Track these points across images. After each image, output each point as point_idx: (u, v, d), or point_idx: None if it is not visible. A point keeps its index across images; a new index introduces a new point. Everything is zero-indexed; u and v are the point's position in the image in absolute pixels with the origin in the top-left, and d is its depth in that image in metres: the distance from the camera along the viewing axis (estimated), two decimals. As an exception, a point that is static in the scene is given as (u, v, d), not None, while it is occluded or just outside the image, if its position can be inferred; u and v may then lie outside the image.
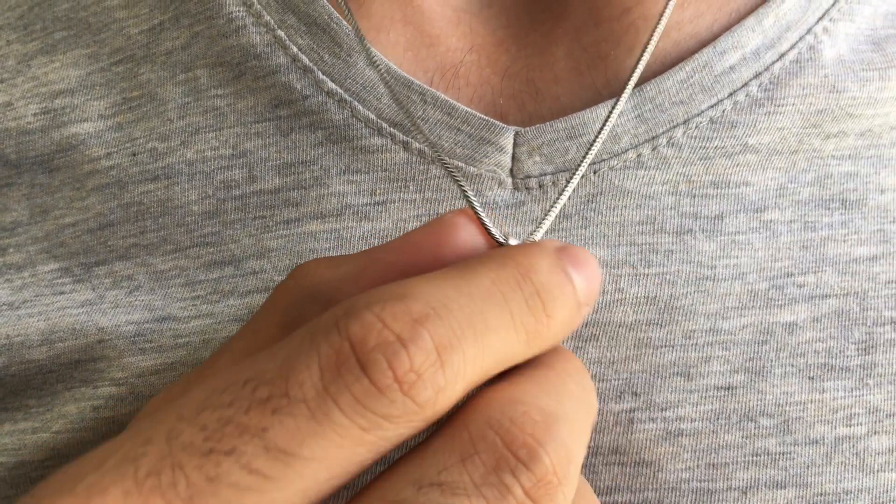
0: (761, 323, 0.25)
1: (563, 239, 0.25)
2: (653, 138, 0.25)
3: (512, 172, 0.25)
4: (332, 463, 0.16)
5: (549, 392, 0.18)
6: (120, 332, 0.25)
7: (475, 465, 0.16)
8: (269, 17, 0.26)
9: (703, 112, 0.25)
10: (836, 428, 0.25)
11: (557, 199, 0.22)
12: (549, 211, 0.22)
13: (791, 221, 0.26)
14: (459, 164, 0.25)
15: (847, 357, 0.26)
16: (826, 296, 0.26)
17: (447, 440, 0.17)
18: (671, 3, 0.25)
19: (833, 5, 0.27)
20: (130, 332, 0.25)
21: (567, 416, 0.18)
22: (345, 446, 0.16)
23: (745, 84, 0.26)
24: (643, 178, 0.25)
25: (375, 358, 0.16)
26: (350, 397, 0.15)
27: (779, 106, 0.26)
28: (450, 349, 0.16)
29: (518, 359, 0.18)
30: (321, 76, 0.26)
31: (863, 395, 0.26)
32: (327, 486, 0.16)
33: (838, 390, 0.25)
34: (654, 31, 0.24)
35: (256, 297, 0.25)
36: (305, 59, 0.26)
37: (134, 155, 0.27)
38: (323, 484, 0.16)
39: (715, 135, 0.26)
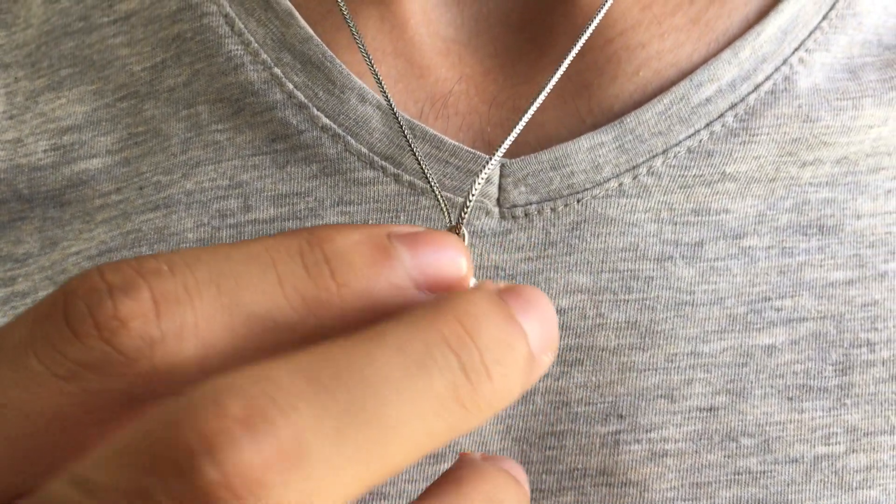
0: (741, 346, 0.26)
1: (549, 265, 0.26)
2: (633, 168, 0.26)
3: (499, 202, 0.26)
4: (31, 412, 0.15)
5: None
6: None
7: None
8: (265, 56, 0.27)
9: (680, 142, 0.26)
10: (814, 447, 0.26)
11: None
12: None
13: (769, 247, 0.27)
14: (448, 195, 0.26)
15: (825, 378, 0.26)
16: (803, 319, 0.26)
17: None
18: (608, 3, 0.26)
19: (809, 36, 0.27)
20: None
21: None
22: (42, 395, 0.15)
23: (721, 115, 0.26)
24: (625, 206, 0.26)
25: (77, 304, 0.15)
26: (46, 343, 0.15)
27: (753, 135, 0.26)
28: (174, 302, 0.15)
29: (297, 328, 0.16)
30: (316, 112, 0.27)
31: (841, 414, 0.26)
32: (37, 441, 0.15)
33: (817, 410, 0.26)
34: (593, 19, 0.25)
35: None
36: (301, 96, 0.27)
37: (141, 188, 0.28)
38: (29, 439, 0.15)
39: (693, 164, 0.26)
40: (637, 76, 0.27)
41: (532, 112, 0.24)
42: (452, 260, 0.17)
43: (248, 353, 0.15)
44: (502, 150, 0.24)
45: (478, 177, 0.23)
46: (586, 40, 0.27)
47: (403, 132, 0.25)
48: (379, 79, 0.25)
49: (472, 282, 0.18)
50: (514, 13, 0.28)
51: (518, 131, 0.24)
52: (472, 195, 0.23)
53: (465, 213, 0.22)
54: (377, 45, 0.27)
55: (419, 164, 0.25)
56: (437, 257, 0.16)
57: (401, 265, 0.16)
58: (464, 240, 0.21)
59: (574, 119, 0.27)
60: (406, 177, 0.26)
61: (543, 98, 0.25)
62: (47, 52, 0.29)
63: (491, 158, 0.24)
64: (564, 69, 0.25)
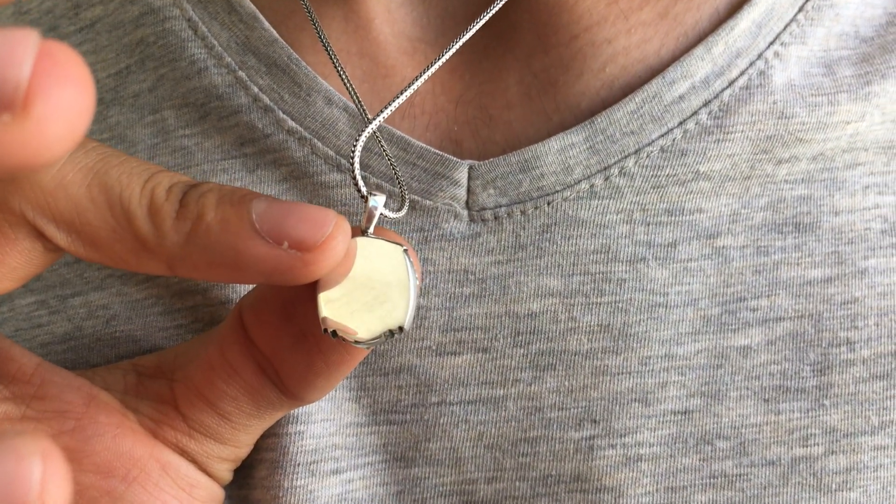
0: (715, 347, 0.26)
1: (519, 269, 0.26)
2: (605, 168, 0.26)
3: (468, 205, 0.26)
4: None
5: None
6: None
7: None
8: (229, 59, 0.27)
9: (653, 141, 0.26)
10: (792, 449, 0.26)
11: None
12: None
13: (744, 247, 0.26)
14: (416, 197, 0.26)
15: (802, 378, 0.26)
16: (780, 318, 0.26)
17: None
18: None
19: (785, 29, 0.27)
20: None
21: None
22: None
23: (695, 112, 0.26)
24: (597, 207, 0.26)
25: None
26: None
27: (728, 133, 0.26)
28: None
29: None
30: (282, 115, 0.27)
31: (819, 415, 0.26)
32: None
33: (794, 411, 0.26)
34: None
35: None
36: (266, 99, 0.27)
37: None
38: None
39: (666, 163, 0.26)
40: (603, 72, 0.27)
41: (416, 86, 0.23)
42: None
43: None
44: (382, 115, 0.23)
45: (357, 141, 0.23)
46: (553, 37, 0.27)
47: (376, 137, 0.25)
48: (347, 81, 0.25)
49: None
50: (479, 11, 0.27)
51: (399, 103, 0.23)
52: (355, 157, 0.22)
53: (355, 175, 0.22)
54: (341, 46, 0.27)
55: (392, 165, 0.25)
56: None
57: None
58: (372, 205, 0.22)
59: (541, 117, 0.27)
60: (373, 179, 0.26)
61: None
62: None
63: (375, 118, 0.23)
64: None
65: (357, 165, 0.22)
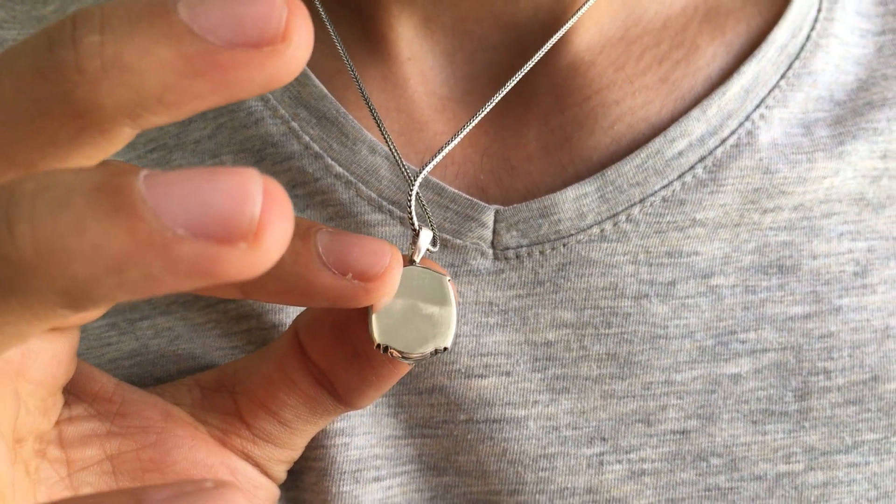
0: (710, 375, 0.28)
1: (537, 302, 0.28)
2: (614, 215, 0.28)
3: (493, 244, 0.28)
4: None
5: None
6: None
7: None
8: (283, 111, 0.29)
9: (656, 192, 0.28)
10: (776, 465, 0.28)
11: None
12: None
13: (734, 286, 0.28)
14: (448, 237, 0.28)
15: (785, 403, 0.28)
16: (766, 350, 0.28)
17: None
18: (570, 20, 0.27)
19: (769, 94, 0.29)
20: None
21: None
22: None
23: (692, 167, 0.28)
24: (606, 249, 0.28)
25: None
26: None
27: (721, 185, 0.28)
28: None
29: None
30: (330, 161, 0.28)
31: (800, 436, 0.28)
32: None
33: (778, 432, 0.28)
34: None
35: None
36: (316, 147, 0.29)
37: None
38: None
39: (667, 211, 0.28)
40: (612, 130, 0.29)
41: (456, 141, 0.25)
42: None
43: None
44: (430, 166, 0.25)
45: (411, 188, 0.25)
46: (568, 98, 0.29)
47: (408, 180, 0.27)
48: (386, 133, 0.27)
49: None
50: (501, 73, 0.30)
51: (443, 155, 0.25)
52: (411, 201, 0.25)
53: (410, 212, 0.25)
54: (381, 103, 0.29)
55: (424, 208, 0.27)
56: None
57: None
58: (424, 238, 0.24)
59: (558, 168, 0.29)
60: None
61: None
62: None
63: (423, 169, 0.25)
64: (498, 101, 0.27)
65: (413, 206, 0.24)
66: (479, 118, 0.26)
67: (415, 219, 0.24)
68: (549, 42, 0.27)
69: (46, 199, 0.13)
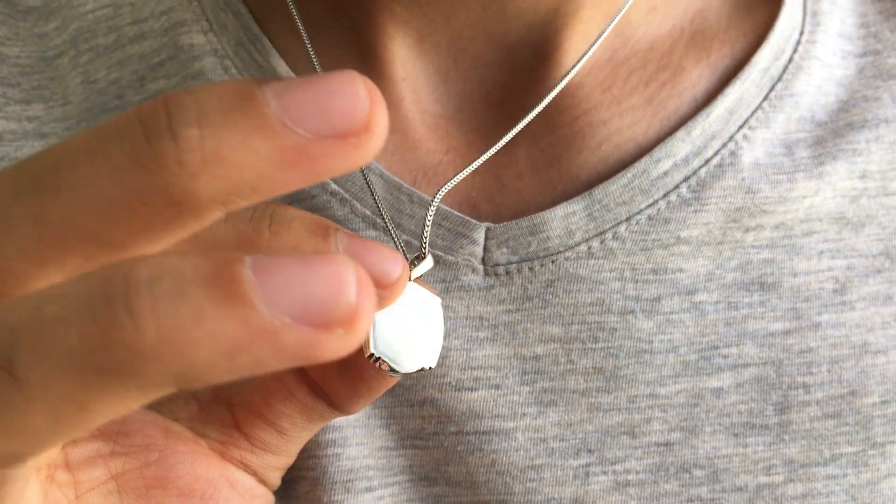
0: (692, 388, 0.28)
1: (526, 317, 0.28)
2: (601, 233, 0.29)
3: (483, 261, 0.29)
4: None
5: None
6: None
7: None
8: None
9: (642, 211, 0.29)
10: (757, 477, 0.28)
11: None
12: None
13: (717, 302, 0.29)
14: (440, 253, 0.29)
15: (766, 416, 0.29)
16: (747, 365, 0.29)
17: None
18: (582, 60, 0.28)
19: (752, 115, 0.30)
20: None
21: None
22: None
23: (677, 186, 0.29)
24: (594, 266, 0.29)
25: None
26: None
27: (704, 204, 0.29)
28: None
29: None
30: (326, 179, 0.29)
31: (780, 448, 0.29)
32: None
33: (759, 445, 0.28)
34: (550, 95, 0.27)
35: None
36: None
37: None
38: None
39: (652, 229, 0.29)
40: (600, 149, 0.29)
41: (470, 170, 0.26)
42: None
43: None
44: (441, 194, 0.26)
45: (427, 217, 0.26)
46: (557, 118, 0.30)
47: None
48: (375, 194, 0.27)
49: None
50: (493, 92, 0.30)
51: (454, 183, 0.26)
52: (426, 228, 0.26)
53: (425, 240, 0.25)
54: None
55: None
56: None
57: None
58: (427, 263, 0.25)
59: (547, 187, 0.29)
60: (403, 236, 0.29)
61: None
62: (87, 126, 0.31)
63: (434, 197, 0.26)
64: (519, 132, 0.27)
65: (427, 232, 0.25)
66: (497, 148, 0.27)
67: (426, 244, 0.25)
68: (561, 83, 0.28)
69: (165, 289, 0.14)
